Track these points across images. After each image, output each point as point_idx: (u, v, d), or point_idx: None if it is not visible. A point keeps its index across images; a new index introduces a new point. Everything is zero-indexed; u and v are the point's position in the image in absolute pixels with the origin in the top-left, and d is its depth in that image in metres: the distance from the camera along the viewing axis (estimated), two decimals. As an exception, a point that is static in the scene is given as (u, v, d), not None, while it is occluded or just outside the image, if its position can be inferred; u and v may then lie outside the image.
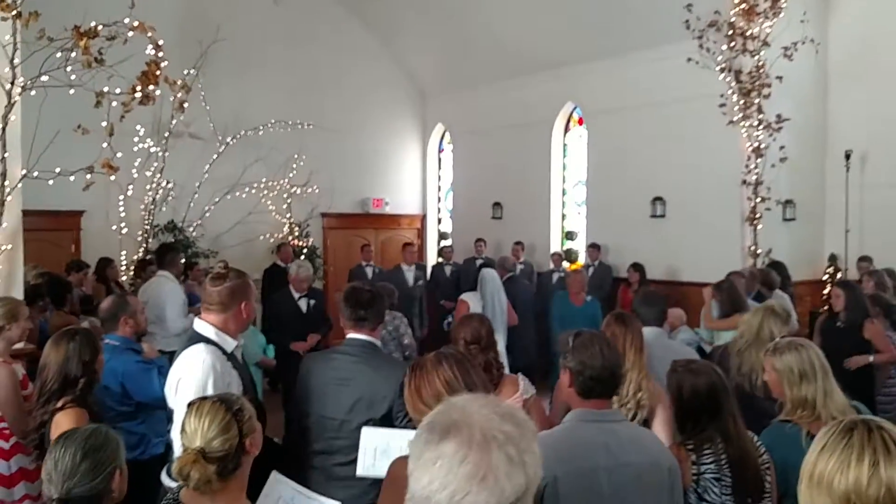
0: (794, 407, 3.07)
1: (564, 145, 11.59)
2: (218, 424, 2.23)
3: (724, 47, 8.54)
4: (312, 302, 6.97)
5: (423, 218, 14.13)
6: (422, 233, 14.09)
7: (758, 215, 8.77)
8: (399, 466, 2.48)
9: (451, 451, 1.23)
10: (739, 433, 2.90)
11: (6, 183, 4.90)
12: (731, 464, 2.84)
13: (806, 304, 8.86)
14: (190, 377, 2.92)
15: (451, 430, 1.26)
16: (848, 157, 8.88)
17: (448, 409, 1.32)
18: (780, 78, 8.52)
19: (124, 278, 9.20)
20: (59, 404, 3.26)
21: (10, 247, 4.97)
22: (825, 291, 8.96)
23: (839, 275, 9.01)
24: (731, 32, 8.48)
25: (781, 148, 8.64)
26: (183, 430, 2.29)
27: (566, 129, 11.55)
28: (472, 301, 6.97)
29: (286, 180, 11.56)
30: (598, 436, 2.42)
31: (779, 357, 3.16)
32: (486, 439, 1.24)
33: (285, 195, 11.61)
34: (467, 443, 1.23)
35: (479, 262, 10.51)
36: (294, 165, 11.55)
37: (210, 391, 2.88)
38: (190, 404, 2.33)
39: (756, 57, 8.57)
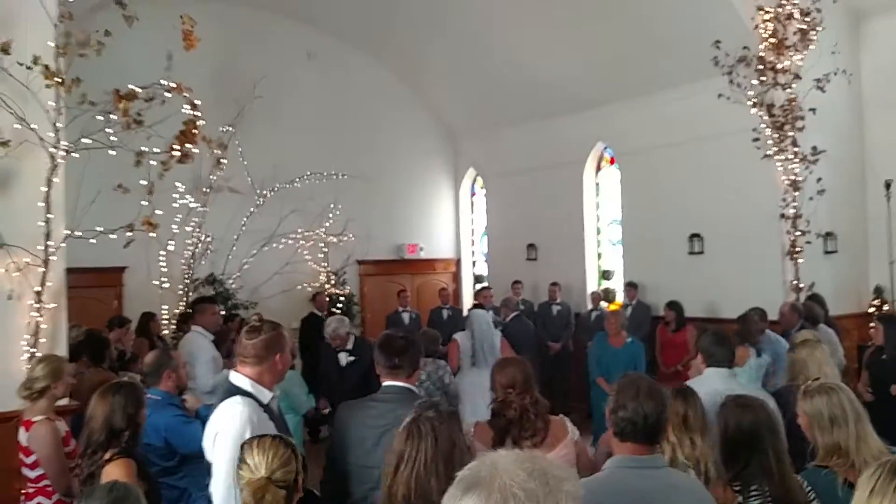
0: (828, 453, 2.94)
1: (597, 184, 11.57)
2: (280, 457, 2.35)
3: (755, 81, 8.51)
4: (351, 358, 6.96)
5: (458, 262, 14.15)
6: (457, 276, 14.10)
7: (798, 249, 8.61)
8: None
9: None
10: (783, 473, 2.79)
11: (50, 242, 5.04)
12: (774, 502, 2.74)
13: (853, 337, 8.62)
14: (228, 430, 2.93)
15: (473, 487, 1.26)
16: (888, 186, 8.70)
17: (479, 465, 1.32)
18: (813, 110, 8.43)
19: (166, 332, 9.33)
20: (108, 456, 3.30)
21: (54, 305, 5.09)
22: (872, 324, 8.74)
23: (885, 307, 8.77)
24: (760, 67, 8.45)
25: (819, 180, 8.51)
26: (243, 464, 2.37)
27: (598, 169, 11.55)
28: (461, 340, 7.22)
29: (322, 230, 11.71)
30: (637, 482, 2.37)
31: (808, 401, 3.04)
32: (504, 498, 1.23)
33: (321, 244, 11.74)
34: (485, 500, 1.24)
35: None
36: (330, 215, 11.70)
37: (247, 444, 2.89)
38: (247, 442, 2.41)
39: (788, 90, 8.51)
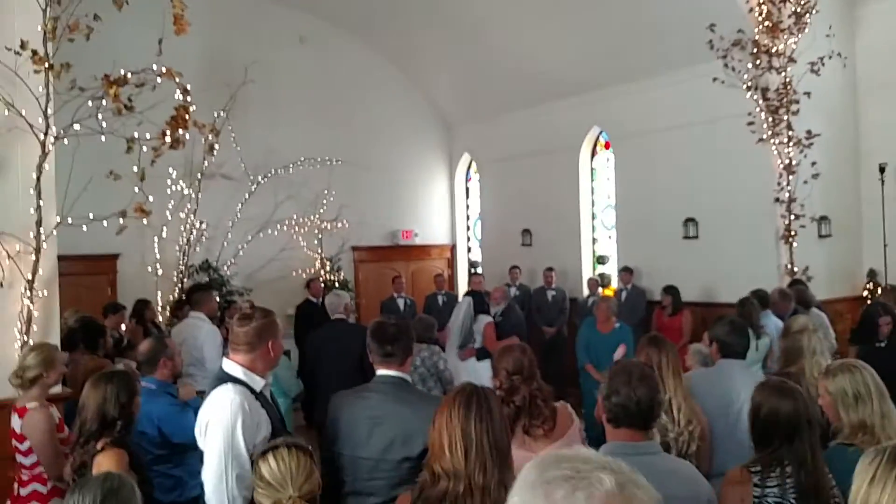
0: (853, 431, 2.96)
1: (592, 169, 11.54)
2: (304, 469, 2.30)
3: (750, 65, 8.48)
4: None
5: (453, 248, 14.14)
6: (452, 263, 14.09)
7: (793, 233, 8.62)
8: (403, 499, 2.47)
9: None
10: (816, 465, 2.75)
11: (41, 230, 5.00)
12: (801, 493, 2.70)
13: (846, 321, 8.62)
14: (219, 418, 2.92)
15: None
16: (882, 170, 8.70)
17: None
18: (808, 94, 8.42)
19: (161, 319, 9.31)
20: (100, 446, 3.28)
21: (46, 293, 5.06)
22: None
23: (878, 290, 8.79)
24: (755, 50, 8.42)
25: (813, 164, 8.51)
26: (260, 481, 2.30)
27: (593, 154, 11.52)
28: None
29: (317, 216, 11.68)
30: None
31: (832, 380, 3.05)
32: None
33: (316, 231, 11.72)
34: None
35: (513, 289, 10.51)
36: (324, 201, 11.69)
37: (239, 431, 2.88)
38: (263, 453, 2.35)
39: (783, 74, 8.49)
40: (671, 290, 8.87)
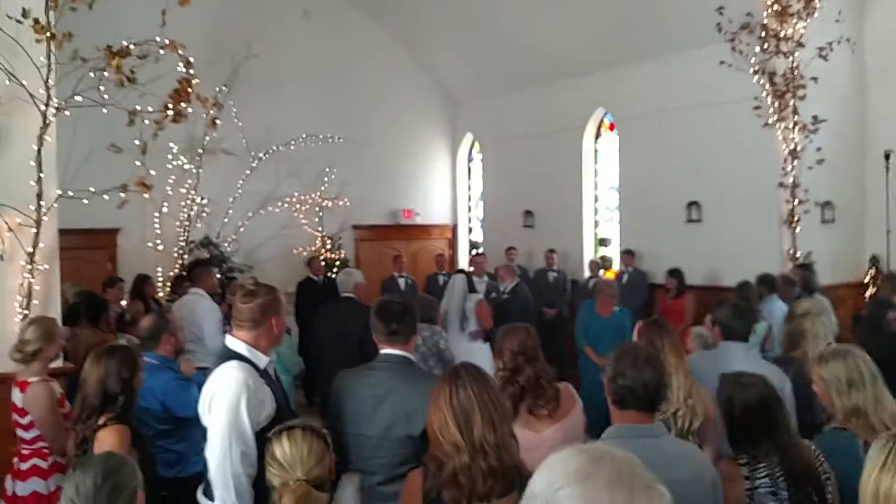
0: (847, 416, 2.97)
1: (596, 151, 11.48)
2: (316, 453, 2.27)
3: (758, 49, 8.40)
4: None
5: (454, 228, 14.11)
6: (453, 243, 14.07)
7: (796, 218, 8.59)
8: (414, 478, 2.46)
9: None
10: (795, 444, 2.77)
11: (42, 203, 4.97)
12: (789, 477, 2.70)
13: (848, 307, 8.63)
14: (223, 394, 2.91)
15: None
16: (888, 157, 8.65)
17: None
18: (815, 79, 8.35)
19: (161, 294, 9.30)
20: (101, 421, 3.27)
21: (46, 266, 5.04)
22: (867, 294, 8.75)
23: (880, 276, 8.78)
24: (763, 34, 8.34)
25: (818, 149, 8.46)
26: (273, 461, 2.29)
27: (597, 135, 11.45)
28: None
29: (318, 194, 11.63)
30: (637, 453, 2.33)
31: (825, 366, 3.06)
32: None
33: (317, 209, 11.68)
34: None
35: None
36: (325, 179, 11.63)
37: (243, 409, 2.87)
38: (277, 433, 2.34)
39: (790, 58, 8.41)
40: (676, 274, 8.86)
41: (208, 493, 3.00)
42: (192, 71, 6.08)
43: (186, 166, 9.91)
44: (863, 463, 1.71)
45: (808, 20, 8.37)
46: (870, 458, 1.66)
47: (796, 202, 8.56)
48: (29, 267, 4.91)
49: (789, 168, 8.57)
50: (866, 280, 9.05)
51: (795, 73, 8.43)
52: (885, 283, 7.61)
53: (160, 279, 9.60)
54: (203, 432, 3.03)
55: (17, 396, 3.92)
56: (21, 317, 4.81)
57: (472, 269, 9.98)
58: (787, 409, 2.91)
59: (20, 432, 3.91)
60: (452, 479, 2.31)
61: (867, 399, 2.93)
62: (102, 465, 2.23)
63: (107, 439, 3.17)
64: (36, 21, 4.83)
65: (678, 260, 9.18)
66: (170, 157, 9.35)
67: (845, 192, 9.12)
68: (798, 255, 8.57)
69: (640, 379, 2.51)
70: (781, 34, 8.35)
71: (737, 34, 8.37)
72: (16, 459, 3.93)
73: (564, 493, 1.18)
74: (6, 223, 4.85)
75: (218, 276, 8.11)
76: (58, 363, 4.51)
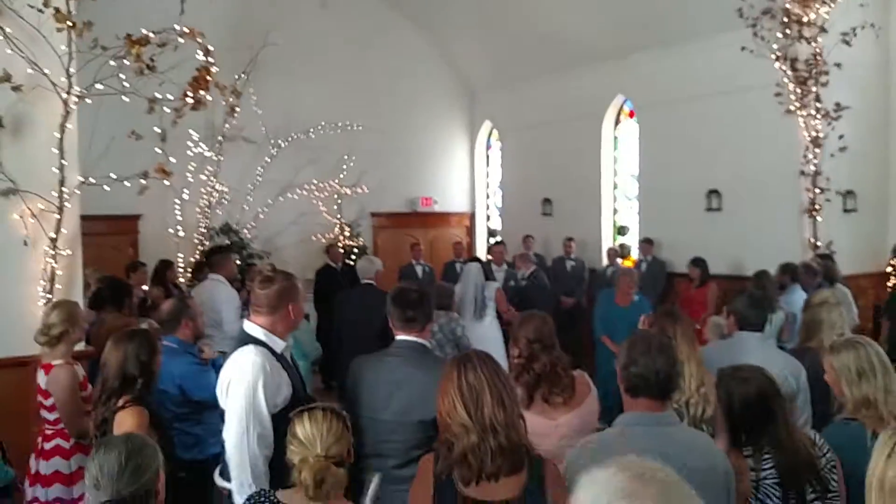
0: (857, 406, 2.97)
1: (615, 138, 11.42)
2: (335, 432, 2.37)
3: (780, 35, 8.29)
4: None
5: (472, 216, 14.10)
6: (471, 231, 14.07)
7: (817, 207, 8.49)
8: (426, 461, 2.49)
9: None
10: (792, 436, 2.75)
11: (64, 189, 5.03)
12: (782, 472, 2.70)
13: (869, 297, 8.55)
14: (240, 378, 2.96)
15: None
16: (912, 144, 8.55)
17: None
18: (838, 65, 8.22)
19: (182, 280, 9.39)
20: (120, 403, 3.33)
21: (69, 252, 5.11)
22: (889, 284, 8.65)
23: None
24: (786, 19, 8.22)
25: (841, 137, 8.35)
26: (293, 439, 2.38)
27: (616, 122, 11.38)
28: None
29: (336, 181, 11.68)
30: (650, 441, 2.35)
31: (836, 356, 3.06)
32: None
33: (336, 196, 11.73)
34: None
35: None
36: (344, 166, 11.67)
37: (260, 392, 2.92)
38: (299, 413, 2.43)
39: (813, 44, 8.30)
40: (699, 263, 8.74)
41: (225, 475, 3.06)
42: (211, 59, 6.11)
43: (207, 154, 9.99)
44: (871, 454, 1.71)
45: (832, 5, 8.23)
46: (876, 448, 1.66)
47: (818, 191, 8.47)
48: (52, 252, 4.99)
49: (811, 156, 8.46)
50: (888, 270, 8.94)
51: (818, 59, 8.31)
52: None
53: (181, 265, 9.70)
54: (220, 415, 3.08)
55: (41, 379, 4.01)
56: (44, 301, 4.89)
57: (490, 257, 10.00)
58: (785, 401, 2.88)
59: (44, 413, 4.00)
60: (462, 458, 2.34)
61: (877, 390, 2.93)
62: (125, 445, 2.28)
63: (125, 421, 3.23)
64: (57, 10, 4.88)
65: (697, 249, 9.12)
66: (190, 144, 9.41)
67: (868, 180, 8.99)
68: (819, 244, 8.48)
69: (653, 367, 2.50)
70: (804, 19, 8.22)
71: (758, 19, 8.25)
72: (39, 439, 4.01)
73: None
74: (29, 209, 4.92)
75: (238, 262, 8.17)
76: (80, 346, 4.58)
